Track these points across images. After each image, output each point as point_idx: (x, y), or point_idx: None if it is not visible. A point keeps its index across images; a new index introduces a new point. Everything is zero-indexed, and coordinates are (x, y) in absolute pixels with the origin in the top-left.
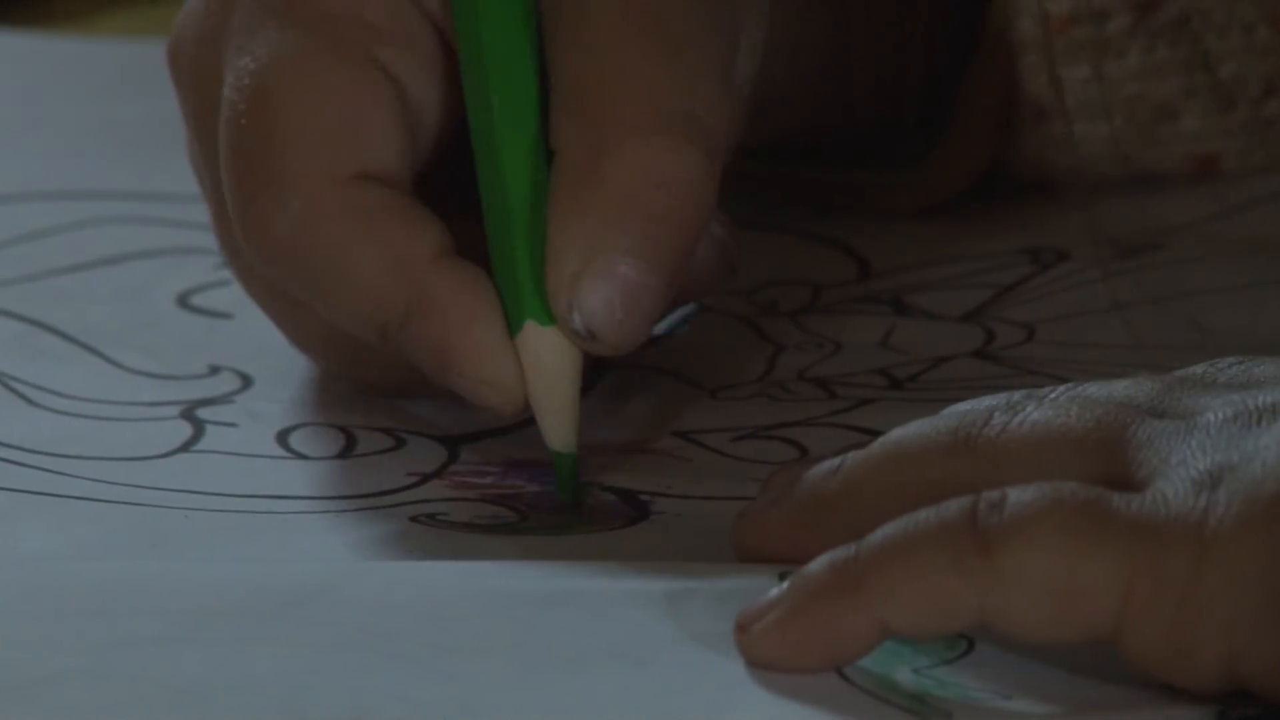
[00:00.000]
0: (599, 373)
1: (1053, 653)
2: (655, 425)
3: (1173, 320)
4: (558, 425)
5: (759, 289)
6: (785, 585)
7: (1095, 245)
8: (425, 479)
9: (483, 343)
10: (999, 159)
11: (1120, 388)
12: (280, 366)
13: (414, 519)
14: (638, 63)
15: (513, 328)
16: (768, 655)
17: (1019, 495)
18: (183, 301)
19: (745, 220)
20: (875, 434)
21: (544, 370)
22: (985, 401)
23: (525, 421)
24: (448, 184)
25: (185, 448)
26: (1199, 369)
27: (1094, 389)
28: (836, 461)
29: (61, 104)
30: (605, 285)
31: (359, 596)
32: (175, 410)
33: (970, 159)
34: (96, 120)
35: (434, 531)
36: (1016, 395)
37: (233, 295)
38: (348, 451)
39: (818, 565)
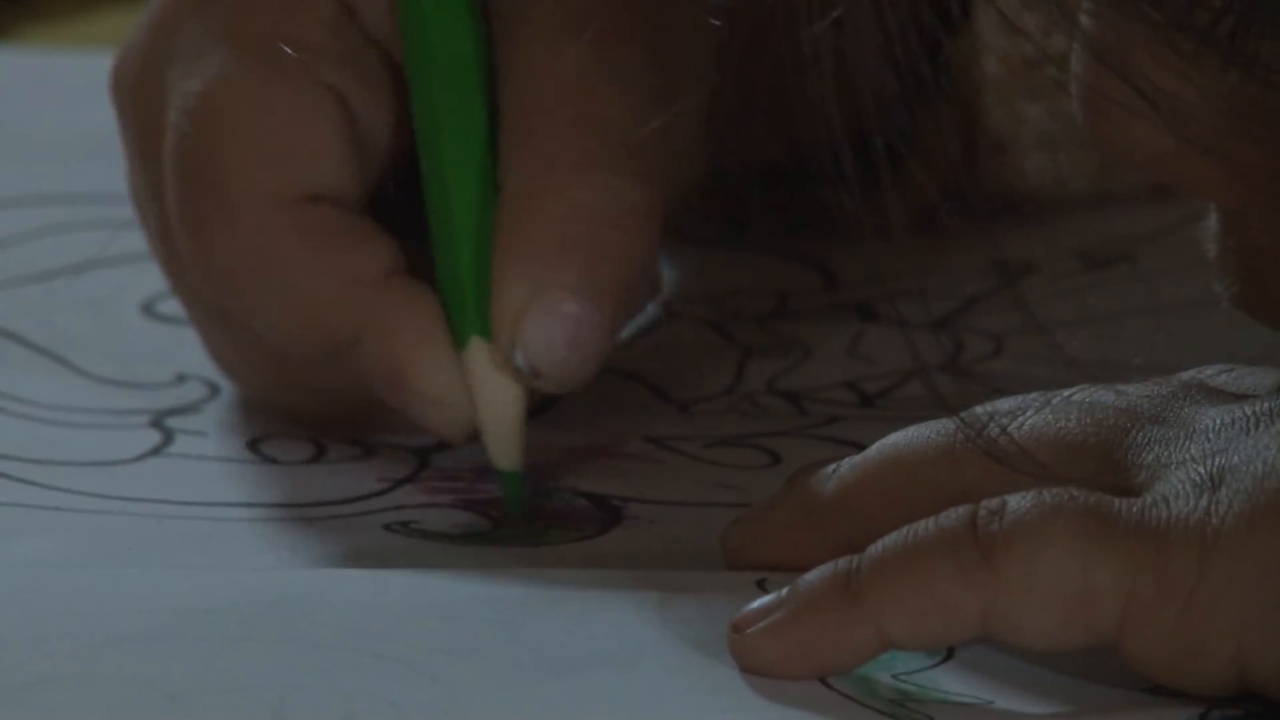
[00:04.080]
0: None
1: (1035, 656)
2: (626, 432)
3: (1143, 333)
4: (503, 443)
5: (724, 297)
6: (784, 592)
7: (1060, 258)
8: (397, 484)
9: (434, 362)
10: (958, 186)
11: (1125, 394)
12: None
13: (387, 527)
14: (582, 100)
15: (459, 345)
16: (760, 659)
17: (1018, 502)
18: (147, 309)
19: (710, 238)
20: (850, 442)
21: (489, 388)
22: (989, 406)
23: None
24: (401, 203)
25: (155, 452)
26: (1191, 375)
27: (1101, 393)
28: (833, 465)
29: (13, 113)
30: (547, 323)
31: (344, 598)
32: (144, 419)
33: (926, 189)
34: (49, 128)
35: (407, 540)
36: (1029, 398)
37: None
38: (318, 458)
39: (819, 575)
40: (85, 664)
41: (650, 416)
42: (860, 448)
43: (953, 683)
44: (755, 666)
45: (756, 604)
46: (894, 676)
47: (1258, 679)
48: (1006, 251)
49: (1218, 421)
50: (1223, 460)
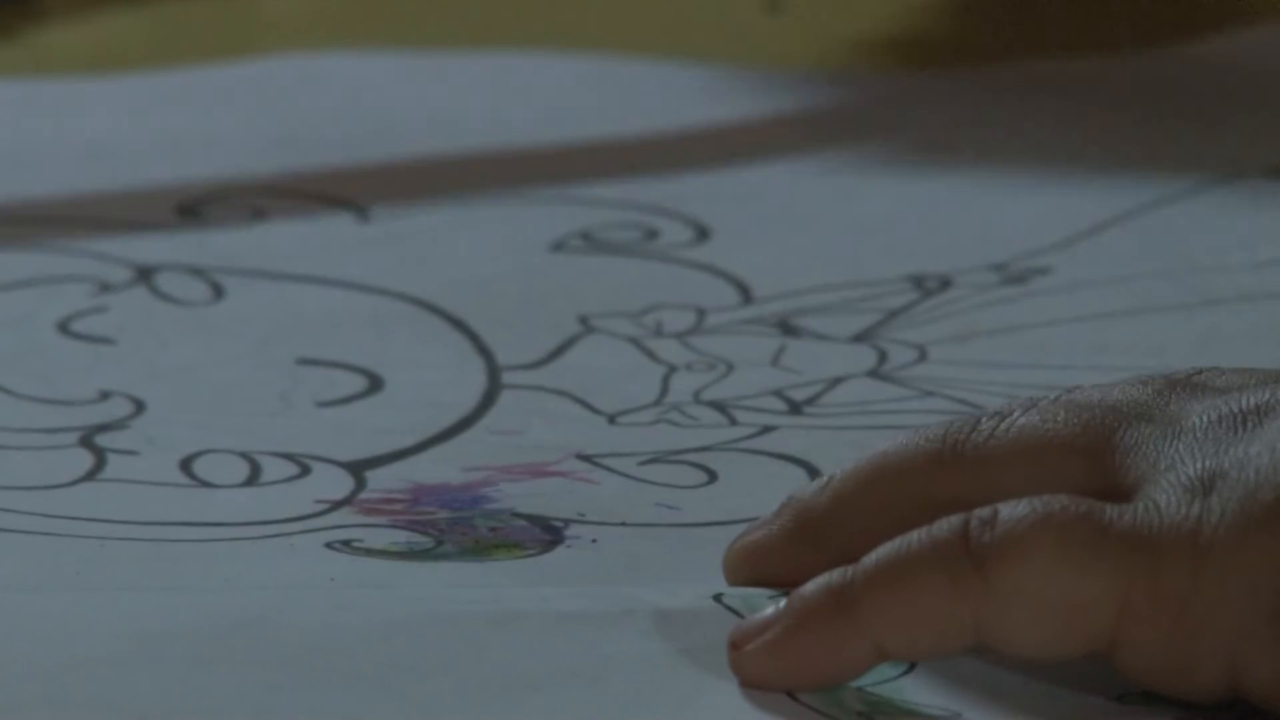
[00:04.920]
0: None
1: (1021, 664)
2: (558, 449)
3: (1071, 340)
4: None
5: (643, 313)
6: (781, 605)
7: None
8: (335, 506)
9: None
10: None
11: (1112, 392)
12: (173, 390)
13: (329, 546)
14: None
15: None
16: (759, 675)
17: (1010, 511)
18: (64, 328)
19: (620, 248)
20: (788, 457)
21: None
22: (978, 413)
23: (427, 443)
24: None
25: (89, 477)
26: (1184, 372)
27: (1087, 393)
28: (824, 479)
29: None
30: None
31: (305, 619)
32: (73, 437)
33: None
34: None
35: (351, 559)
36: (1015, 401)
37: (113, 321)
38: (253, 479)
39: (813, 588)
40: (54, 688)
41: (580, 428)
42: (798, 462)
43: (920, 693)
44: (754, 682)
45: (753, 619)
46: (861, 689)
47: (1250, 689)
48: (925, 264)
49: (1204, 419)
50: (1212, 463)
